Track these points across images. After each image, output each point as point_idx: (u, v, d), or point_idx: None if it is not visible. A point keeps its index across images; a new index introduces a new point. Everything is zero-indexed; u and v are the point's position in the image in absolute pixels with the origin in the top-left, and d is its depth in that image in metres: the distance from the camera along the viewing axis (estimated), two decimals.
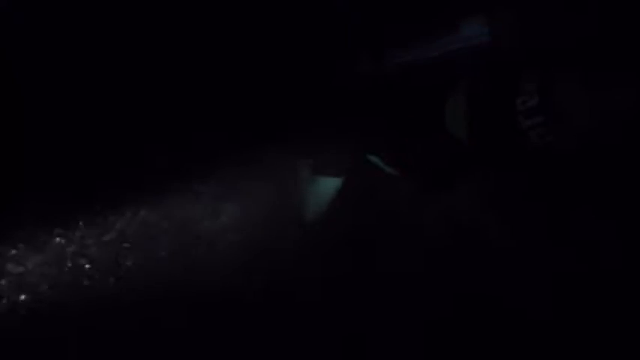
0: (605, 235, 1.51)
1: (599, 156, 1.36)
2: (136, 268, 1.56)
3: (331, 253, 1.63)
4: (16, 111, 1.63)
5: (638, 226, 1.48)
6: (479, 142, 1.36)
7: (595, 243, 1.52)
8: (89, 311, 1.50)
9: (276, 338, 1.55)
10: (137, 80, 1.67)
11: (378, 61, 1.52)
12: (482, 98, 1.35)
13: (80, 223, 1.56)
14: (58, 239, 1.55)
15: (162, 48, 1.68)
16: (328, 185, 1.59)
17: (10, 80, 1.63)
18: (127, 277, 1.55)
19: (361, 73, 1.56)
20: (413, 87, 1.48)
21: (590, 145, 1.28)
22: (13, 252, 1.52)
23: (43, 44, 1.64)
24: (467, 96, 1.36)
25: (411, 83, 1.48)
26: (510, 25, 1.40)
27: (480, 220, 1.60)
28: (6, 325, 1.49)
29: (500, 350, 1.51)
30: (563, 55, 1.30)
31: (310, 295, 1.59)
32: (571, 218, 1.54)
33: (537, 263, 1.56)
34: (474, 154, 1.40)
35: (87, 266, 1.55)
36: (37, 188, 1.60)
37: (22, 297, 1.50)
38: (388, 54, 1.51)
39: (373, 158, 1.55)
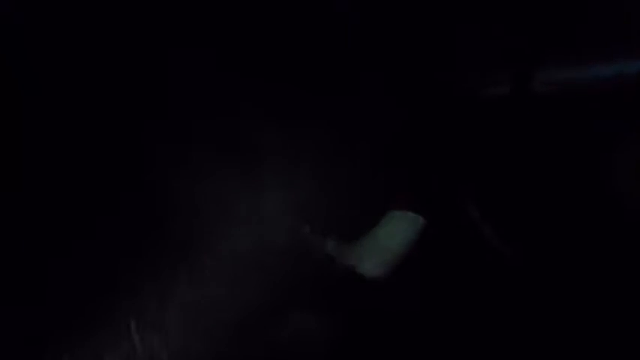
0: None
1: None
2: None
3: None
4: (15, 111, 1.61)
5: None
6: None
7: None
8: None
9: None
10: (138, 80, 1.67)
11: (523, 82, 1.14)
12: None
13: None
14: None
15: (163, 50, 1.67)
16: (396, 235, 1.24)
17: (10, 80, 1.62)
18: None
19: (500, 96, 1.21)
20: (565, 117, 1.09)
21: None
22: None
23: (43, 44, 1.63)
24: None
25: (562, 112, 1.09)
26: None
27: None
28: None
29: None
30: None
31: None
32: None
33: None
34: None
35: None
36: (35, 188, 1.58)
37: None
38: (538, 73, 1.14)
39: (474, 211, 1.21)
